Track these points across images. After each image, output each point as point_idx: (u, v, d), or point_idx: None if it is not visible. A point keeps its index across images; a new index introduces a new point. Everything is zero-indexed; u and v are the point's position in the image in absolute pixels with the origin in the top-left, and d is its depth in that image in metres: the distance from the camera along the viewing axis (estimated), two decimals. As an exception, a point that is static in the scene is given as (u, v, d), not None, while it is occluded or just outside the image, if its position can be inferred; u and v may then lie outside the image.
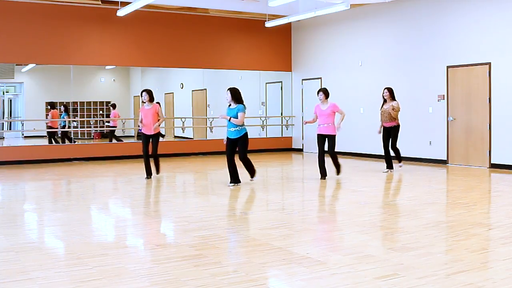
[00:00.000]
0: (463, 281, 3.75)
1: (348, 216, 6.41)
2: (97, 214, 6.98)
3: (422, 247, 4.71)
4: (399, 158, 10.46)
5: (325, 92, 9.47)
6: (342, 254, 4.53)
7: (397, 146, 10.31)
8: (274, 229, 5.66)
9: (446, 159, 11.69)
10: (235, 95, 8.47)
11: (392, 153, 10.35)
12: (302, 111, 15.62)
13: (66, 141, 14.85)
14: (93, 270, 4.08)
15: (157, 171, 9.86)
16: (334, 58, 14.57)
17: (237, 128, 8.40)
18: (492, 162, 10.81)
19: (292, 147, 16.08)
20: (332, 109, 9.30)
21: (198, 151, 14.64)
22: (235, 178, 8.63)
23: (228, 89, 8.55)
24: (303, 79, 15.66)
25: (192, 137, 17.05)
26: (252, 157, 14.11)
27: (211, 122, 15.59)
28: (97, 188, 9.27)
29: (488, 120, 10.84)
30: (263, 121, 16.11)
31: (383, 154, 10.48)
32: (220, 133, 15.84)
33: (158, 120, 9.65)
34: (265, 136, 16.15)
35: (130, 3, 11.45)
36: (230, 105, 8.53)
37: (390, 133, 10.26)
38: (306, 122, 9.81)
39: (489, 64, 10.78)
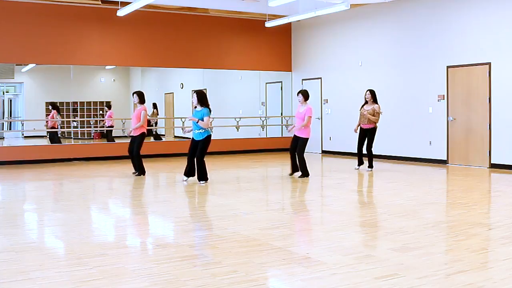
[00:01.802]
0: (463, 281, 3.75)
1: (348, 216, 6.41)
2: (97, 214, 6.98)
3: (422, 247, 4.71)
4: (371, 163, 10.57)
5: (304, 94, 9.57)
6: (342, 254, 4.53)
7: (372, 149, 10.53)
8: (274, 229, 5.65)
9: (446, 159, 11.69)
10: (201, 98, 8.73)
11: (365, 153, 10.56)
12: (302, 111, 15.60)
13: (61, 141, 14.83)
14: (93, 270, 4.08)
15: (136, 171, 9.97)
16: (334, 58, 14.57)
17: (201, 130, 8.71)
18: (492, 162, 10.81)
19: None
20: (304, 113, 9.38)
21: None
22: (191, 174, 8.95)
23: (195, 92, 8.85)
24: (303, 79, 15.66)
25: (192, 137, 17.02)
26: (252, 157, 14.20)
27: (211, 122, 15.58)
28: (97, 188, 9.27)
29: (488, 120, 10.84)
30: (263, 121, 16.11)
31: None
32: (220, 133, 15.86)
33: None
34: (265, 136, 16.15)
35: (130, 3, 11.45)
36: (196, 107, 8.82)
37: (366, 135, 10.44)
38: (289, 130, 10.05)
39: (489, 64, 10.78)
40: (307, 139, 9.51)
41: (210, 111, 8.75)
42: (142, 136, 9.89)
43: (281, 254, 4.54)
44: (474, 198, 7.47)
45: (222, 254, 4.54)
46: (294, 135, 9.63)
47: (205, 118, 8.61)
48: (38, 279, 3.87)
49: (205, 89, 17.08)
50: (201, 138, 8.75)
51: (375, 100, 10.48)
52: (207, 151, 8.88)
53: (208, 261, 4.33)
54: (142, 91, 10.20)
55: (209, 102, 8.86)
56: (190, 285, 3.71)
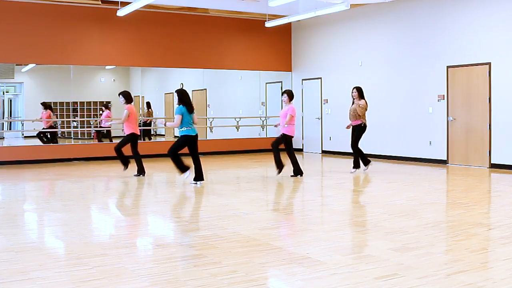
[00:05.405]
0: (463, 281, 3.75)
1: (348, 216, 6.42)
2: (97, 214, 6.98)
3: (422, 247, 4.71)
4: (364, 160, 10.38)
5: (289, 94, 9.70)
6: (342, 254, 4.53)
7: (359, 146, 10.32)
8: (274, 229, 5.66)
9: (446, 159, 11.70)
10: (181, 96, 8.62)
11: (362, 153, 10.43)
12: (302, 111, 15.62)
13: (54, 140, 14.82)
14: (93, 270, 4.08)
15: (138, 173, 10.06)
16: (334, 58, 14.57)
17: (183, 128, 8.58)
18: (492, 162, 10.81)
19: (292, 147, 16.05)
20: (286, 111, 9.51)
21: (198, 151, 14.61)
22: (197, 176, 8.86)
23: (175, 91, 8.76)
24: (303, 79, 15.66)
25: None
26: (252, 157, 14.19)
27: (211, 122, 15.60)
28: (97, 188, 9.27)
29: (488, 120, 10.84)
30: (263, 121, 16.11)
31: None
32: (220, 133, 15.86)
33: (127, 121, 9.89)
34: (265, 136, 16.14)
35: (130, 3, 11.45)
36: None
37: (354, 131, 10.39)
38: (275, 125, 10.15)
39: (489, 64, 10.78)
40: (290, 136, 9.60)
41: (188, 108, 8.49)
42: (130, 136, 9.85)
43: (281, 254, 4.54)
44: (474, 198, 7.47)
45: (222, 254, 4.53)
46: (282, 134, 9.69)
47: (175, 117, 8.52)
48: (38, 279, 3.87)
49: (205, 89, 17.12)
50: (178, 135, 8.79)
51: (361, 97, 10.34)
52: (183, 150, 8.76)
53: (208, 261, 4.32)
54: (128, 91, 10.22)
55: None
56: (190, 285, 3.71)
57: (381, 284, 3.69)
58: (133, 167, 10.18)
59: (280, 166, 9.69)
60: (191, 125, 8.60)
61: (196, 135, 8.72)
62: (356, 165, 10.34)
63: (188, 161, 8.99)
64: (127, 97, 9.94)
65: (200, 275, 3.95)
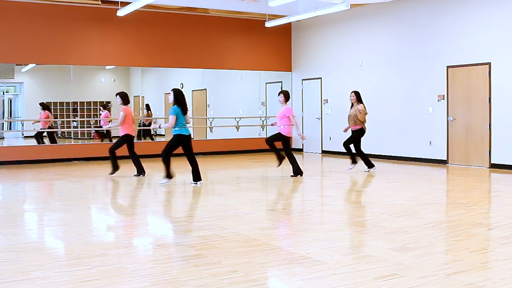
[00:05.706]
0: (463, 281, 3.75)
1: (348, 216, 6.41)
2: (97, 214, 6.98)
3: (422, 247, 4.71)
4: (352, 158, 10.51)
5: (285, 95, 9.70)
6: (342, 254, 4.53)
7: (351, 146, 10.41)
8: (274, 229, 5.66)
9: (446, 159, 11.70)
10: (177, 96, 8.56)
11: (359, 152, 10.48)
12: (302, 111, 15.62)
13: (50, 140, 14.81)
14: (93, 270, 4.08)
15: (138, 173, 10.02)
16: (334, 58, 14.57)
17: (176, 128, 8.54)
18: (492, 162, 10.81)
19: (292, 147, 16.06)
20: (284, 113, 9.53)
21: (198, 151, 14.61)
22: (195, 176, 8.81)
23: (172, 90, 8.66)
24: (303, 79, 15.66)
25: (192, 137, 17.01)
26: (252, 157, 14.19)
27: (211, 122, 15.59)
28: (97, 188, 9.27)
29: (488, 120, 10.84)
30: (263, 121, 16.11)
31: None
32: (220, 133, 15.86)
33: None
34: (265, 136, 16.13)
35: (130, 3, 11.45)
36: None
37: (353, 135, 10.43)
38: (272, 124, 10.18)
39: (489, 64, 10.78)
40: (287, 137, 9.57)
41: (183, 108, 8.49)
42: (124, 137, 9.84)
43: (281, 254, 4.54)
44: (474, 198, 7.47)
45: (222, 254, 4.54)
46: (278, 133, 9.70)
47: (170, 117, 8.49)
48: (38, 279, 3.87)
49: (205, 89, 17.12)
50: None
51: (359, 101, 10.38)
52: (175, 151, 8.73)
53: (208, 261, 4.32)
54: (126, 92, 10.23)
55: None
56: (190, 285, 3.71)
57: (381, 284, 3.70)
58: (125, 169, 10.18)
59: (280, 158, 9.73)
60: (185, 125, 8.61)
61: (190, 135, 8.72)
62: (369, 165, 10.43)
63: (185, 162, 8.97)
64: (124, 98, 9.95)
65: (200, 275, 3.95)
